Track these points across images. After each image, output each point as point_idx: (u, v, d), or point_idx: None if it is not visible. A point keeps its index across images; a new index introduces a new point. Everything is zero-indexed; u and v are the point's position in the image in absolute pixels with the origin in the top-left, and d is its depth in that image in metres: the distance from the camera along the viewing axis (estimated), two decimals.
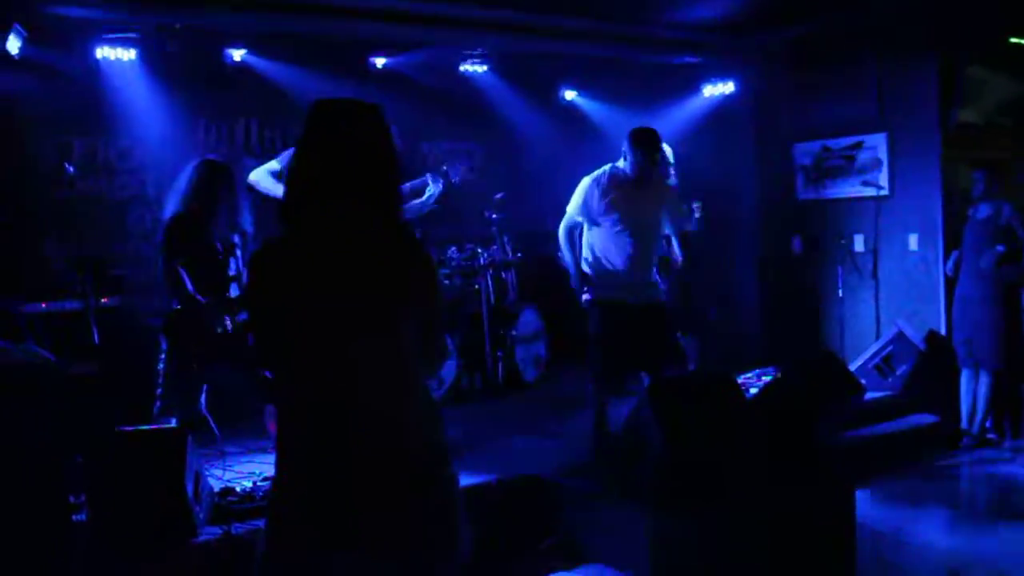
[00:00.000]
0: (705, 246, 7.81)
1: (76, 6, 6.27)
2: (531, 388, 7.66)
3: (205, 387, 5.45)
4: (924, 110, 7.27)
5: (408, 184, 6.20)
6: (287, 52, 7.60)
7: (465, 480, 5.01)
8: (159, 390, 5.15)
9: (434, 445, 2.41)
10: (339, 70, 7.83)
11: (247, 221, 5.36)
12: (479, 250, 7.53)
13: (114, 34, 6.92)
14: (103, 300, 6.41)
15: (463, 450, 5.71)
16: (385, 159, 2.43)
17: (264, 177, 5.91)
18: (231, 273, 5.24)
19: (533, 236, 9.29)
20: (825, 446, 4.98)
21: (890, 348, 7.12)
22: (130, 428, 4.24)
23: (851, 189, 7.82)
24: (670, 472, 4.36)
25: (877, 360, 7.13)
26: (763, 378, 6.60)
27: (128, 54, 7.08)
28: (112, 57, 7.05)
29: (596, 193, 5.48)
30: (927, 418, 6.93)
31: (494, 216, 7.99)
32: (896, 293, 7.61)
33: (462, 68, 8.54)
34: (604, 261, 5.48)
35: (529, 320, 7.78)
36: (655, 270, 5.59)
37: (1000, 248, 6.46)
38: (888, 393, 7.03)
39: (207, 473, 5.08)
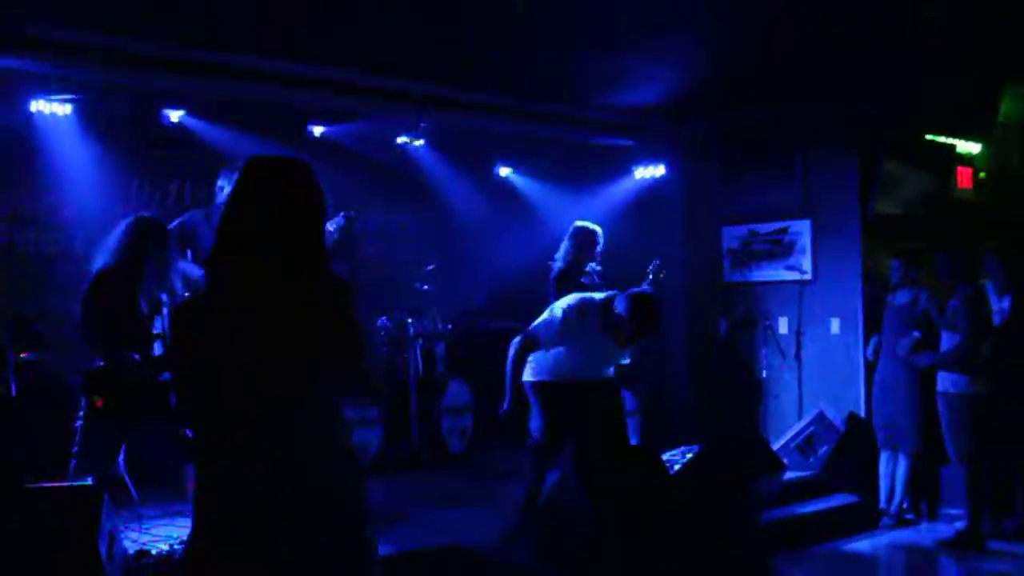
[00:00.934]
0: None
1: (10, 57, 6.21)
2: (456, 460, 7.62)
3: (124, 447, 5.32)
4: (845, 200, 7.54)
5: None
6: (225, 115, 7.60)
7: (387, 549, 4.97)
8: (75, 448, 5.00)
9: (354, 507, 2.39)
10: (277, 136, 7.84)
11: (177, 280, 5.30)
12: (408, 320, 7.53)
13: (50, 89, 6.86)
14: (22, 355, 6.27)
15: (388, 520, 5.66)
16: (312, 217, 2.44)
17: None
18: (156, 331, 5.16)
19: (464, 309, 9.34)
20: (748, 523, 5.03)
21: (812, 429, 7.25)
22: (41, 485, 4.11)
23: (776, 273, 8.03)
24: (595, 543, 4.36)
25: (799, 440, 7.26)
26: (687, 455, 6.65)
27: (64, 109, 7.01)
28: (47, 111, 6.97)
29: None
30: (847, 498, 7.04)
31: (425, 287, 8.03)
32: (818, 375, 7.77)
33: (399, 140, 8.64)
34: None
35: (456, 393, 7.77)
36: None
37: (916, 334, 6.66)
38: (809, 473, 7.14)
39: (123, 535, 4.94)
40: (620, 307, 5.16)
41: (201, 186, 8.24)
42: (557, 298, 6.57)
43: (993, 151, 7.98)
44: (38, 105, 6.93)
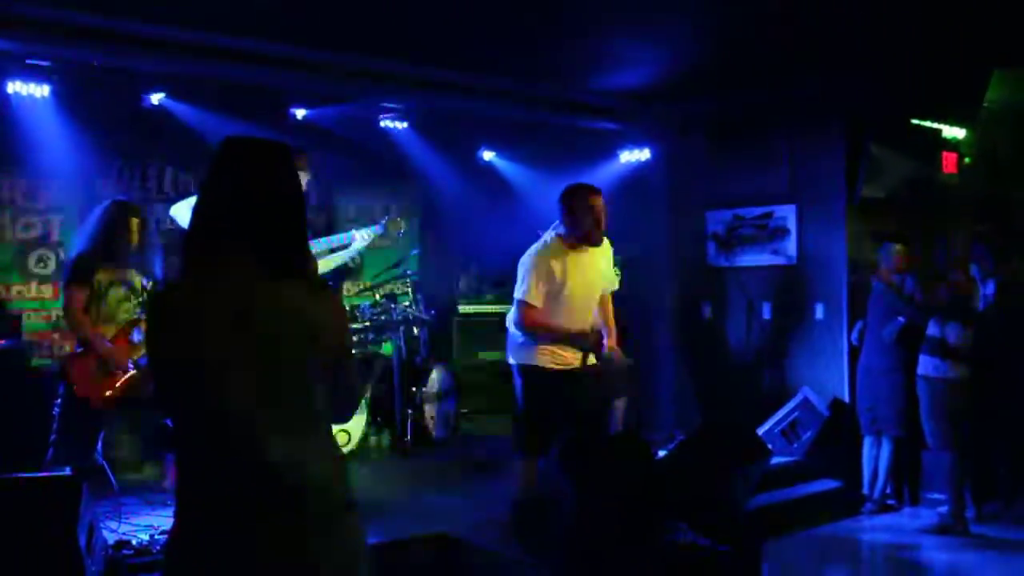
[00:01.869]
0: (620, 310, 7.87)
1: None
2: (440, 446, 7.57)
3: (102, 435, 5.26)
4: (831, 184, 7.52)
5: (335, 239, 6.06)
6: (207, 98, 7.48)
7: (373, 538, 4.93)
8: (53, 436, 4.94)
9: (338, 493, 2.34)
10: (258, 118, 7.74)
11: (156, 265, 5.24)
12: (392, 305, 7.47)
13: (27, 69, 6.73)
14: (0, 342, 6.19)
15: (372, 507, 5.62)
16: (290, 203, 2.36)
17: (186, 213, 5.78)
18: (137, 316, 5.10)
19: (447, 294, 9.29)
20: (734, 509, 5.01)
21: (796, 414, 7.26)
22: (19, 475, 4.04)
23: (761, 257, 8.01)
24: (581, 534, 4.33)
25: (783, 425, 7.26)
26: (673, 441, 6.64)
27: (41, 90, 6.87)
28: (24, 92, 6.84)
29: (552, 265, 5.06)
30: (830, 483, 7.06)
31: (408, 272, 7.96)
32: (802, 360, 7.77)
33: (382, 123, 8.55)
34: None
35: (440, 378, 7.73)
36: None
37: (901, 320, 6.66)
38: (793, 458, 7.14)
39: (102, 525, 4.88)
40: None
41: (182, 169, 8.16)
42: None
43: (978, 136, 7.96)
44: (15, 86, 6.80)
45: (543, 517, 4.52)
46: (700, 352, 8.45)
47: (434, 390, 7.65)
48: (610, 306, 5.45)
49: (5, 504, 3.94)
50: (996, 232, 7.42)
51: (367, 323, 7.47)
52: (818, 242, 7.66)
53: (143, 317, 5.12)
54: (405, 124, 8.58)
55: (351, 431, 6.90)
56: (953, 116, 7.80)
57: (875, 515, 6.86)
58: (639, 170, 8.78)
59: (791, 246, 7.81)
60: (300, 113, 8.07)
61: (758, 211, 8.01)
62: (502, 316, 9.11)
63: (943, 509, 6.50)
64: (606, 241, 5.28)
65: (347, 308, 7.57)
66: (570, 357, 5.08)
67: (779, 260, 7.85)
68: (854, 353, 7.21)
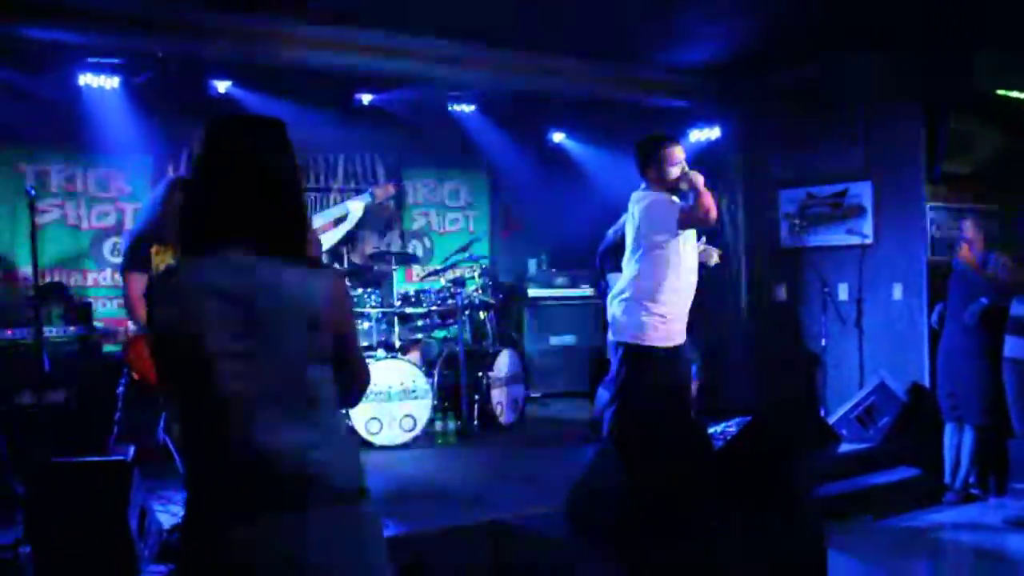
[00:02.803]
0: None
1: (56, 30, 6.21)
2: (508, 432, 7.52)
3: (164, 415, 5.31)
4: (910, 159, 7.21)
5: (329, 212, 6.02)
6: (272, 85, 7.54)
7: (432, 524, 4.90)
8: (117, 415, 4.99)
9: (344, 481, 2.27)
10: (325, 104, 7.80)
11: None
12: (458, 290, 7.42)
13: (97, 59, 6.86)
14: (71, 328, 6.32)
15: (430, 495, 5.59)
16: (285, 180, 2.30)
17: None
18: None
19: (515, 278, 9.23)
20: (798, 496, 4.84)
21: (872, 399, 6.99)
22: (69, 460, 4.10)
23: (835, 237, 7.73)
24: (632, 519, 4.22)
25: (859, 411, 7.00)
26: (737, 427, 6.46)
27: (111, 82, 7.02)
28: (95, 84, 6.99)
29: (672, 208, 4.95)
30: (909, 471, 6.78)
31: (475, 256, 7.91)
32: (880, 343, 7.49)
33: (450, 107, 8.50)
34: (665, 297, 5.03)
35: (507, 363, 7.66)
36: None
37: (984, 300, 6.35)
38: (869, 445, 6.89)
39: (163, 506, 4.95)
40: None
41: None
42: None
43: None
44: (86, 79, 6.96)
45: (597, 503, 4.42)
46: (774, 335, 8.21)
47: (501, 375, 7.58)
48: None
49: (57, 488, 4.01)
50: None
51: (432, 308, 7.44)
52: (895, 220, 7.36)
53: None
54: (473, 107, 8.53)
55: (417, 416, 6.88)
56: None
57: (957, 505, 6.56)
58: (709, 149, 8.55)
59: (867, 225, 7.52)
60: (366, 98, 8.07)
61: (832, 189, 7.73)
62: (573, 299, 9.15)
63: None
64: None
65: (414, 292, 7.56)
66: (677, 332, 5.00)
67: (854, 239, 7.56)
68: (934, 336, 6.91)
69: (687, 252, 5.11)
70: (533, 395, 8.07)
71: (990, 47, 6.65)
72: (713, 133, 8.49)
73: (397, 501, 5.29)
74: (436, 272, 8.05)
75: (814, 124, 7.83)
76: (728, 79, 8.03)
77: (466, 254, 7.88)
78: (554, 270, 9.33)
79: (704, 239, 5.60)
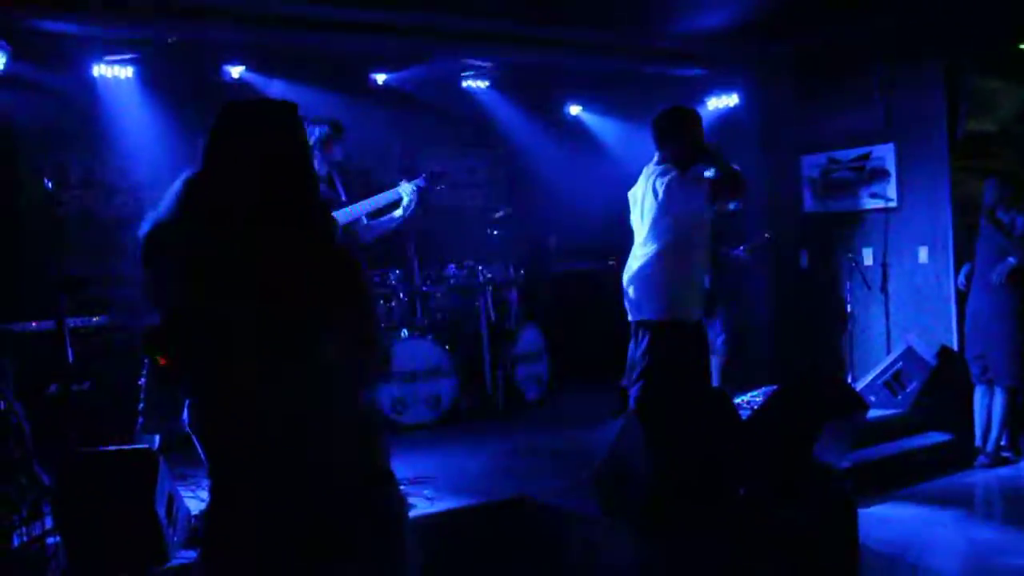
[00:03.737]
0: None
1: (68, 22, 6.22)
2: (532, 408, 7.50)
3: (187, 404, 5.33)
4: (932, 120, 7.10)
5: (382, 197, 5.96)
6: (286, 68, 7.54)
7: (457, 502, 4.90)
8: (140, 405, 5.02)
9: (369, 460, 2.26)
10: (339, 86, 7.75)
11: None
12: (479, 267, 7.39)
13: (111, 52, 6.87)
14: (94, 319, 6.34)
15: (456, 472, 5.59)
16: (299, 168, 2.28)
17: None
18: None
19: (536, 254, 9.17)
20: (826, 465, 4.79)
21: (900, 364, 6.91)
22: (96, 449, 4.12)
23: (859, 202, 7.64)
24: (658, 493, 4.19)
25: (887, 376, 6.93)
26: (763, 397, 6.41)
27: (125, 72, 7.05)
28: (109, 75, 7.02)
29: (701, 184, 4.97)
30: (940, 436, 6.71)
31: (495, 233, 7.87)
32: (906, 307, 7.40)
33: (464, 84, 8.45)
34: (689, 272, 5.07)
35: (530, 339, 7.63)
36: None
37: (1012, 260, 6.26)
38: (898, 411, 6.82)
39: (190, 493, 4.97)
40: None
41: None
42: None
43: None
44: (100, 69, 6.98)
45: (623, 477, 4.39)
46: (798, 302, 8.13)
47: (525, 351, 7.56)
48: None
49: (85, 477, 4.03)
50: None
51: (455, 285, 7.42)
52: (919, 182, 7.26)
53: None
54: (487, 83, 8.48)
55: (442, 395, 6.89)
56: None
57: (989, 468, 6.49)
58: (728, 116, 8.46)
59: (890, 188, 7.42)
60: (381, 78, 8.04)
61: (854, 153, 7.63)
62: (594, 274, 9.08)
63: None
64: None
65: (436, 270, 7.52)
66: (699, 305, 5.06)
67: (878, 203, 7.47)
68: (961, 299, 6.82)
69: (705, 226, 5.07)
70: (556, 371, 8.03)
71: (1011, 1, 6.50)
72: (731, 100, 8.40)
73: (424, 481, 5.29)
74: None
75: (833, 87, 7.72)
76: (745, 45, 7.92)
77: (488, 230, 7.84)
78: (574, 244, 9.27)
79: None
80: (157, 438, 5.02)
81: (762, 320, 8.27)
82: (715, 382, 7.19)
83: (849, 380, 7.15)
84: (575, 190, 9.11)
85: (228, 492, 2.25)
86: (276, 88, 7.59)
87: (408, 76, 8.12)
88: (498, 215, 8.05)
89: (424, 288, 7.43)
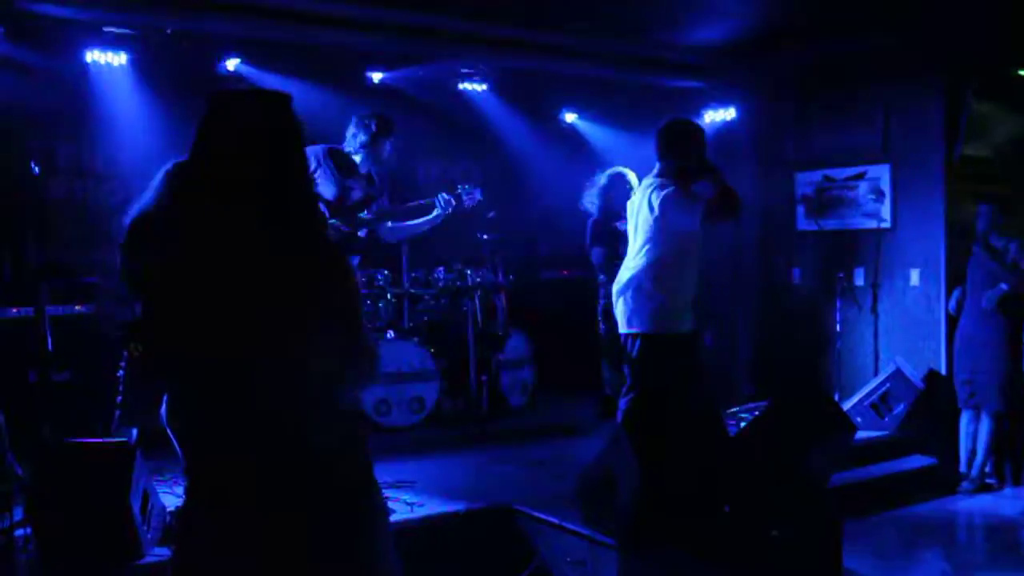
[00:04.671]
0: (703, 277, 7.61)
1: (62, 5, 6.12)
2: (516, 414, 7.44)
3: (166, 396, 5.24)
4: (928, 142, 7.07)
5: (413, 204, 6.01)
6: (282, 63, 7.44)
7: (438, 507, 4.83)
8: (119, 398, 4.92)
9: (349, 469, 2.19)
10: (335, 83, 7.68)
11: None
12: (467, 271, 7.33)
13: (106, 40, 6.77)
14: (77, 307, 6.26)
15: (438, 477, 5.52)
16: (292, 159, 2.21)
17: None
18: None
19: (526, 260, 9.11)
20: (813, 484, 4.75)
21: (887, 386, 6.89)
22: (73, 440, 4.03)
23: (852, 221, 7.61)
24: (644, 507, 4.14)
25: (874, 398, 6.90)
26: (756, 413, 6.37)
27: (119, 58, 6.93)
28: (102, 61, 6.90)
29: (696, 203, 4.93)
30: (924, 460, 6.69)
31: (486, 237, 7.80)
32: (896, 329, 7.37)
33: (461, 86, 8.40)
34: (679, 284, 5.05)
35: (516, 345, 7.57)
36: None
37: (1004, 286, 6.24)
38: (884, 433, 6.79)
39: (166, 489, 4.89)
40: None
41: None
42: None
43: None
44: (93, 55, 6.87)
45: (608, 490, 4.33)
46: (787, 320, 8.08)
47: (511, 357, 7.50)
48: None
49: (59, 470, 3.95)
50: None
51: (443, 288, 7.36)
52: (914, 204, 7.23)
53: None
54: (484, 87, 8.42)
55: (423, 397, 6.81)
56: None
57: (973, 494, 6.47)
58: (725, 130, 8.40)
59: (885, 208, 7.39)
60: (377, 77, 7.97)
61: (850, 171, 7.60)
62: (583, 282, 9.03)
63: None
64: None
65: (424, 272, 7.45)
66: (689, 318, 5.04)
67: (871, 223, 7.44)
68: (952, 323, 6.79)
69: (698, 239, 5.05)
70: (541, 378, 7.96)
71: (1014, 25, 6.48)
72: (728, 114, 8.36)
73: (404, 485, 5.22)
74: None
75: (831, 105, 7.69)
76: (744, 58, 7.88)
77: (479, 234, 7.76)
78: (564, 252, 9.22)
79: None
80: (135, 431, 4.91)
81: (750, 336, 8.23)
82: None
83: (836, 399, 7.10)
84: (567, 197, 9.05)
85: (203, 492, 2.18)
86: (270, 82, 7.51)
87: (404, 75, 8.05)
88: (489, 216, 7.97)
89: (412, 290, 7.36)
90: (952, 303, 6.68)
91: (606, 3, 6.66)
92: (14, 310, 6.01)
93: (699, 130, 5.17)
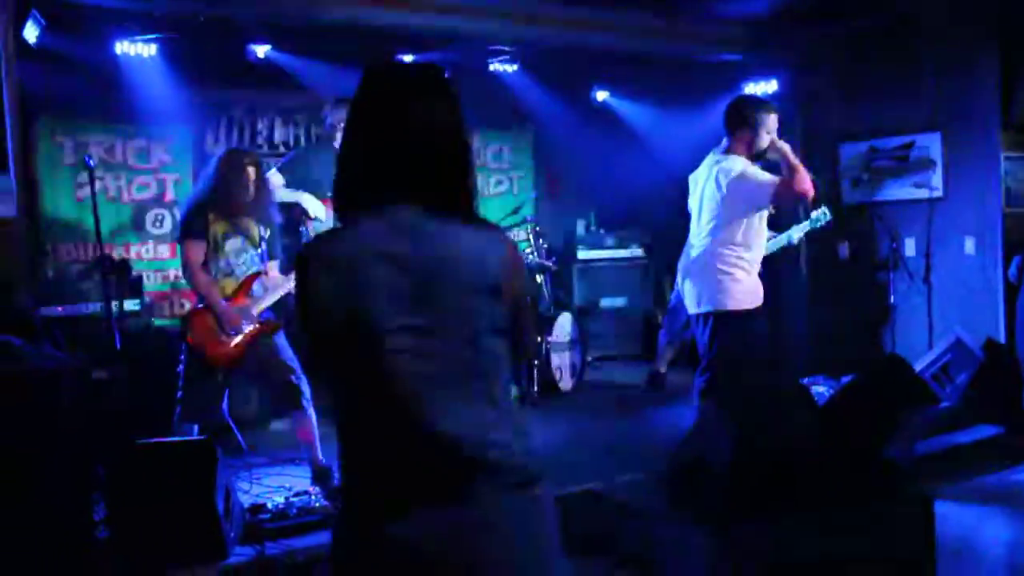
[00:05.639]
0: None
1: None
2: (568, 397, 7.31)
3: (227, 392, 5.10)
4: (982, 107, 6.90)
5: None
6: (310, 48, 7.30)
7: None
8: (179, 394, 4.79)
9: (521, 466, 2.03)
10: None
11: (274, 215, 5.03)
12: None
13: (137, 30, 6.62)
14: (133, 303, 6.13)
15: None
16: (452, 133, 2.04)
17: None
18: (256, 268, 4.90)
19: (564, 240, 8.99)
20: (901, 457, 4.64)
21: (948, 356, 6.74)
22: (155, 440, 3.90)
23: (902, 191, 7.46)
24: (738, 487, 4.01)
25: (934, 369, 6.75)
26: (814, 387, 6.26)
27: (148, 49, 6.81)
28: (132, 52, 6.79)
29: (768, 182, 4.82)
30: (991, 429, 6.54)
31: (527, 218, 7.68)
32: (950, 299, 7.24)
33: (491, 67, 8.23)
34: (749, 259, 4.95)
35: (564, 327, 7.43)
36: None
37: None
38: (947, 403, 6.66)
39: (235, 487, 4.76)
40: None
41: (289, 123, 7.99)
42: None
43: None
44: (123, 47, 6.76)
45: (699, 473, 4.21)
46: (837, 295, 7.95)
47: (561, 339, 7.36)
48: None
49: (144, 470, 3.83)
50: None
51: None
52: (967, 172, 7.07)
53: (263, 269, 4.93)
54: (515, 67, 8.27)
55: None
56: None
57: None
58: None
59: (936, 178, 7.23)
60: (407, 59, 7.80)
61: (897, 141, 7.44)
62: (623, 261, 8.93)
63: None
64: None
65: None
66: (760, 292, 4.98)
67: (922, 193, 7.29)
68: (1011, 291, 6.65)
69: (764, 216, 5.03)
70: (588, 359, 7.85)
71: None
72: (769, 87, 8.19)
73: None
74: None
75: (877, 74, 7.51)
76: (784, 28, 7.72)
77: (518, 217, 7.64)
78: (603, 231, 9.10)
79: None
80: (195, 428, 4.79)
81: (799, 312, 8.09)
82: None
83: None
84: (603, 175, 8.95)
85: (368, 499, 2.00)
86: (302, 67, 7.38)
87: (433, 58, 7.87)
88: (529, 198, 7.86)
89: None
90: (1012, 270, 6.53)
91: None
92: (59, 308, 5.86)
93: (765, 105, 5.07)
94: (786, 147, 4.92)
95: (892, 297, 7.39)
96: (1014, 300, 6.54)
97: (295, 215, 5.76)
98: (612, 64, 8.54)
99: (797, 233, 6.19)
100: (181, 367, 4.85)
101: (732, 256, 4.88)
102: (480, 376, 1.97)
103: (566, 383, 7.34)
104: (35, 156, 6.84)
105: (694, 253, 5.05)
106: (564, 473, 5.20)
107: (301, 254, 2.01)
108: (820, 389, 6.45)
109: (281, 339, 4.89)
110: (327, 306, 1.95)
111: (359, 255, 1.94)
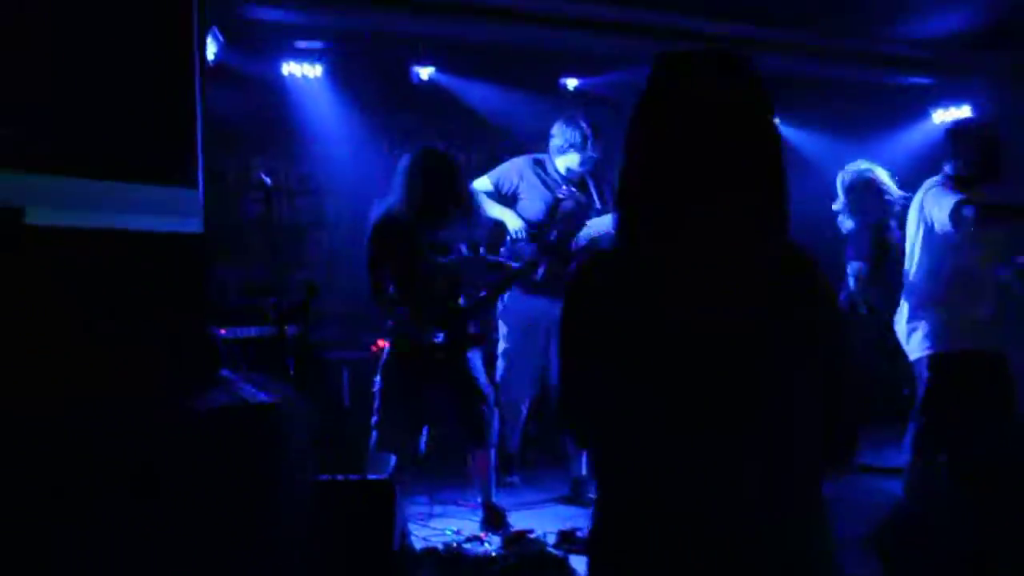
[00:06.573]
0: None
1: (268, 6, 5.87)
2: None
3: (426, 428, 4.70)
4: None
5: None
6: (476, 70, 7.14)
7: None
8: (374, 418, 4.45)
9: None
10: (529, 90, 7.32)
11: (480, 232, 4.64)
12: None
13: (303, 50, 6.56)
14: (287, 329, 5.97)
15: None
16: (772, 141, 1.69)
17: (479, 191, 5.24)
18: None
19: None
20: None
21: None
22: (333, 477, 3.64)
23: None
24: (979, 559, 3.50)
25: None
26: None
27: (314, 71, 6.73)
28: (298, 73, 6.72)
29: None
30: None
31: None
32: None
33: None
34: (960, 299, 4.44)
35: None
36: None
37: None
38: None
39: (417, 525, 4.53)
40: None
41: (453, 147, 7.78)
42: None
43: None
44: (289, 68, 6.69)
45: (924, 538, 3.71)
46: None
47: None
48: None
49: (322, 506, 3.57)
50: None
51: None
52: None
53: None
54: None
55: None
56: None
57: None
58: None
59: None
60: (572, 83, 7.55)
61: None
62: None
63: None
64: None
65: None
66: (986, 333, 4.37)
67: None
68: None
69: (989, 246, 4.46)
70: None
71: None
72: (962, 112, 7.60)
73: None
74: None
75: None
76: (981, 50, 7.14)
77: None
78: None
79: None
80: (393, 458, 4.28)
81: None
82: None
83: None
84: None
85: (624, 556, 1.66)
86: (467, 89, 7.21)
87: (600, 82, 7.60)
88: None
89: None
90: None
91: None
92: (222, 331, 5.73)
93: (985, 131, 4.54)
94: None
95: None
96: None
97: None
98: (785, 89, 8.08)
99: None
100: (376, 386, 4.49)
101: (942, 294, 4.42)
102: (784, 455, 1.60)
103: None
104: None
105: (908, 291, 4.60)
106: None
107: (575, 276, 1.70)
108: None
109: (478, 359, 4.49)
110: (605, 344, 1.63)
111: (655, 286, 1.61)
